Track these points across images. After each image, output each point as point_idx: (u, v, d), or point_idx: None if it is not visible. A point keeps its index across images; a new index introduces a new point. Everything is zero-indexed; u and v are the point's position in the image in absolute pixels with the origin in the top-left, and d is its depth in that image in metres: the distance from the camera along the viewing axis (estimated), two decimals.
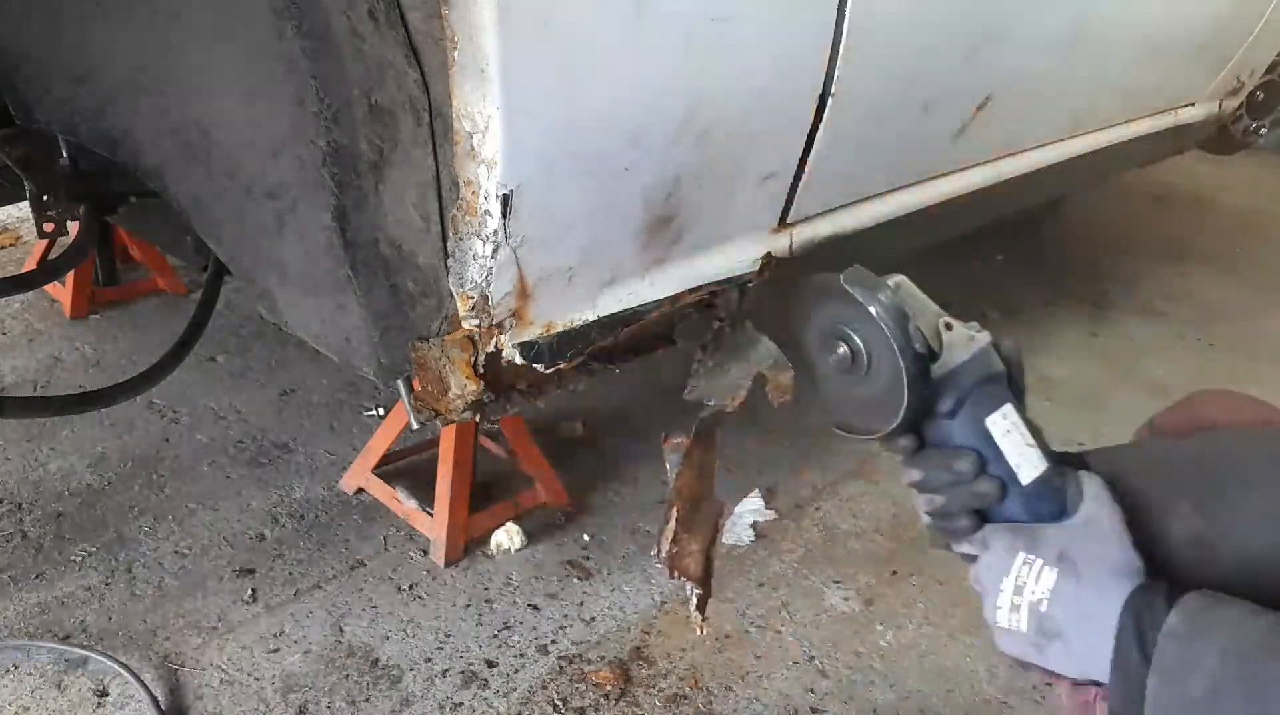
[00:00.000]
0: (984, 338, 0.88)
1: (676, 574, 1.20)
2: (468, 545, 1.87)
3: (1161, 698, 0.73)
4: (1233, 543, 0.82)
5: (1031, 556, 0.81)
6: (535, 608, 1.75)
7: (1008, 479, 0.86)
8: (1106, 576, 0.78)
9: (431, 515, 1.84)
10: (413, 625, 1.69)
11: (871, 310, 0.86)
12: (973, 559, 0.88)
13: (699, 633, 1.29)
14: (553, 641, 1.68)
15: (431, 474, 1.83)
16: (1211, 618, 0.73)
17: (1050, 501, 0.85)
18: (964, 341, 0.88)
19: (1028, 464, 0.86)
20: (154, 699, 1.48)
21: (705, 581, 1.23)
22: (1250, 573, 0.81)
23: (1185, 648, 0.73)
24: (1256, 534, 0.82)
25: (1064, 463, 0.89)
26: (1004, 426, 0.86)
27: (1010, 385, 0.89)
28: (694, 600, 1.23)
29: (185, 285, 2.76)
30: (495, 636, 1.68)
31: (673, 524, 1.17)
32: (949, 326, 0.88)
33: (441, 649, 1.65)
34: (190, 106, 1.16)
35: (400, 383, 1.22)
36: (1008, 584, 0.81)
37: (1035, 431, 0.88)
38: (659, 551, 1.19)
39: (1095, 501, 0.84)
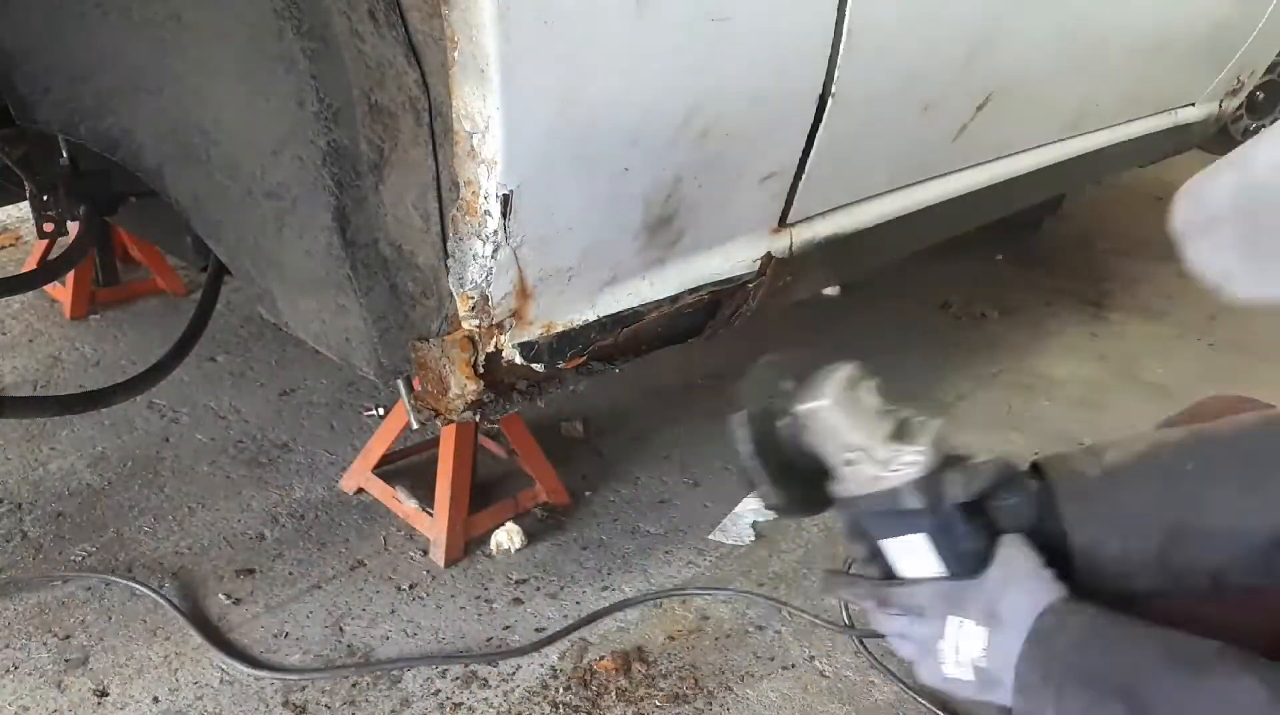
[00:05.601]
0: (915, 460, 0.81)
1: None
2: (468, 545, 1.87)
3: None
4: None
5: (960, 619, 0.84)
6: (535, 608, 1.75)
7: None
8: (1029, 622, 0.82)
9: (431, 515, 1.84)
10: (413, 625, 1.69)
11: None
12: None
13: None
14: (553, 642, 1.68)
15: (431, 474, 1.83)
16: (1111, 634, 0.78)
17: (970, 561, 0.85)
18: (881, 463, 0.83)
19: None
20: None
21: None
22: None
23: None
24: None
25: (1014, 477, 0.86)
26: (899, 548, 0.87)
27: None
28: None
29: (185, 285, 2.77)
30: (495, 636, 1.68)
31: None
32: (850, 462, 0.83)
33: (442, 649, 1.65)
34: (190, 106, 1.16)
35: (400, 383, 1.22)
36: (946, 646, 0.85)
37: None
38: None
39: (1011, 545, 0.85)
